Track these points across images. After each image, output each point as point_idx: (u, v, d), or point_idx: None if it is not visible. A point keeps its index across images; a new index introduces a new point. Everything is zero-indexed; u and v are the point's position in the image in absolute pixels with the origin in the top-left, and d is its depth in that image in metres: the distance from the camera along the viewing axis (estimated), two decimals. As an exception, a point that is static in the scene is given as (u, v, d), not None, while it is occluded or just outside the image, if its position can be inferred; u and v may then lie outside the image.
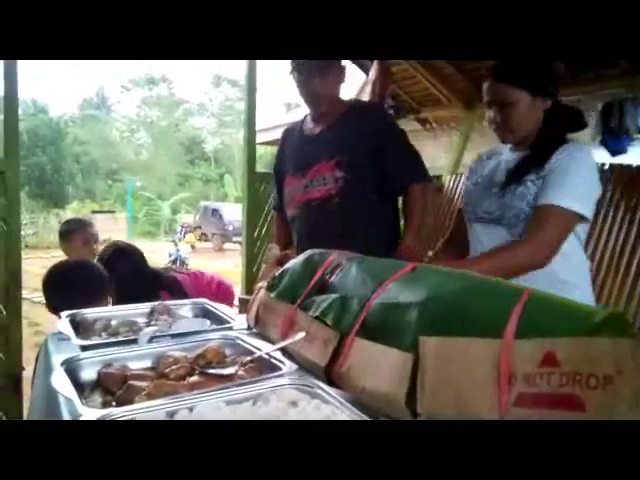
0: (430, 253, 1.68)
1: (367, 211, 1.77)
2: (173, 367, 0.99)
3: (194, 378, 0.96)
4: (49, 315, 2.30)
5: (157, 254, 9.39)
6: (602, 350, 0.64)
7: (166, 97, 34.71)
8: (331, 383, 0.93)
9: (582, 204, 1.28)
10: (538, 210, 1.28)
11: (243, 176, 3.34)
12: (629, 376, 0.61)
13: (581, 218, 1.29)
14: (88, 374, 1.00)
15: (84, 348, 1.09)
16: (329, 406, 0.84)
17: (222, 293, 2.33)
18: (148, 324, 1.31)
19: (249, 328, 1.30)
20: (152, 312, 1.39)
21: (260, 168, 3.33)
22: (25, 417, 1.72)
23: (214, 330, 1.25)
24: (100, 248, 2.38)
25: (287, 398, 0.86)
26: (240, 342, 1.14)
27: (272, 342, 1.13)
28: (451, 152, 4.30)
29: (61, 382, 0.88)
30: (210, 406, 0.82)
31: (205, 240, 16.58)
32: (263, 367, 1.02)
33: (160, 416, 0.79)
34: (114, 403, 0.91)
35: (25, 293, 2.44)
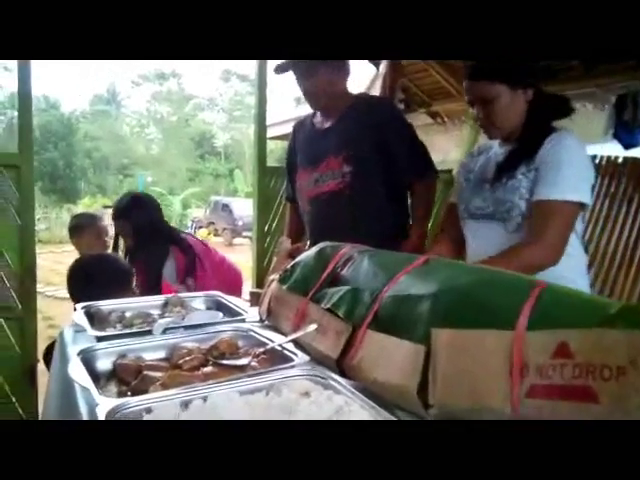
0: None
1: (375, 205, 1.78)
2: (187, 358, 1.00)
3: (207, 369, 0.97)
4: (62, 308, 2.34)
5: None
6: (616, 341, 0.63)
7: (176, 92, 34.82)
8: (343, 375, 0.94)
9: (581, 193, 1.28)
10: (539, 207, 1.27)
11: (254, 171, 3.34)
12: (643, 368, 0.61)
13: (581, 206, 1.29)
14: (103, 364, 1.02)
15: (99, 339, 1.11)
16: (341, 396, 0.85)
17: (232, 276, 2.36)
18: (162, 316, 1.32)
19: (261, 320, 1.31)
20: (166, 304, 1.41)
21: (270, 162, 3.32)
22: (41, 408, 1.74)
23: (227, 322, 1.26)
24: (110, 242, 2.42)
25: (299, 389, 0.87)
26: (252, 334, 1.15)
27: (284, 334, 1.14)
28: (462, 146, 4.27)
29: (78, 372, 0.89)
30: (223, 396, 0.83)
31: (215, 235, 16.64)
32: (275, 358, 1.03)
33: (174, 406, 0.80)
34: (129, 393, 0.92)
35: (39, 287, 2.47)
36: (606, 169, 2.94)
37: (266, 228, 3.29)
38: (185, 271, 2.16)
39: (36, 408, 2.31)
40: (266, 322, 1.29)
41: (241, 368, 0.97)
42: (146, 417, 0.77)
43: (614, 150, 3.15)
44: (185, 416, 0.78)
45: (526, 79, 1.35)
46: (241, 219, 15.74)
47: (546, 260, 1.26)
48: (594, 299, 0.77)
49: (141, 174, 24.39)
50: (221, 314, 1.34)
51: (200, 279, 2.19)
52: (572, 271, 1.32)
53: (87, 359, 0.99)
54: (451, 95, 4.24)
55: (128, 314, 1.31)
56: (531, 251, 1.26)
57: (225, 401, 0.81)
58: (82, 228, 2.37)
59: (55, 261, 10.21)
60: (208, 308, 1.46)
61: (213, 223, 17.20)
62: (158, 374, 0.94)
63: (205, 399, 0.82)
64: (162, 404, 0.80)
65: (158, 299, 1.44)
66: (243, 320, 1.29)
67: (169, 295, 1.48)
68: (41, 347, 2.37)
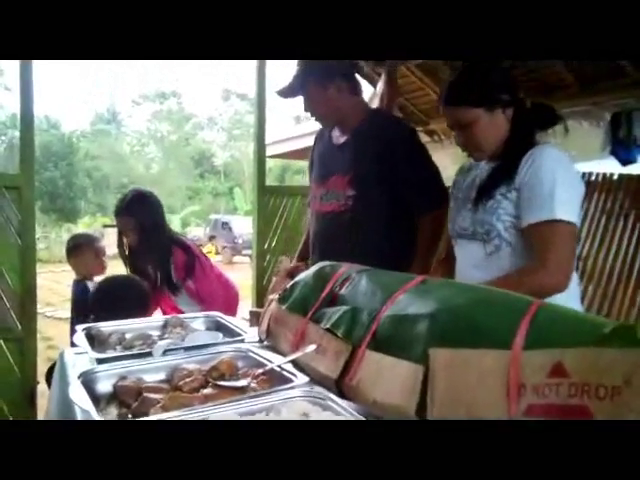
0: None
1: (376, 232, 1.72)
2: (187, 379, 1.00)
3: (207, 390, 0.97)
4: (61, 329, 2.33)
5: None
6: (611, 361, 0.64)
7: (176, 111, 35.11)
8: (342, 395, 0.94)
9: (573, 211, 1.23)
10: (539, 229, 1.21)
11: (253, 189, 3.36)
12: (638, 387, 0.62)
13: (575, 226, 1.24)
14: (104, 387, 1.02)
15: (100, 361, 1.11)
16: (340, 418, 0.85)
17: (228, 294, 2.35)
18: (162, 337, 1.33)
19: (260, 341, 1.32)
20: (165, 325, 1.41)
21: (269, 181, 3.35)
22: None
23: (226, 343, 1.26)
24: (108, 262, 2.43)
25: (299, 410, 0.87)
26: (252, 354, 1.16)
27: (283, 354, 1.14)
28: (459, 162, 4.30)
29: (78, 395, 0.90)
30: (223, 418, 0.83)
31: (215, 253, 16.65)
32: (275, 379, 1.03)
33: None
34: (130, 415, 0.92)
35: (38, 307, 2.46)
36: (602, 186, 2.96)
37: (266, 247, 3.31)
38: (185, 271, 2.15)
39: (35, 430, 2.30)
40: (265, 342, 1.30)
41: (241, 389, 0.98)
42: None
43: (610, 167, 3.18)
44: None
45: (503, 98, 1.32)
46: (241, 237, 15.77)
47: (556, 286, 1.20)
48: (589, 318, 0.77)
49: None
50: (221, 335, 1.35)
51: (200, 282, 2.19)
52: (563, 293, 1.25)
53: (88, 381, 0.99)
54: (448, 113, 4.28)
55: (128, 335, 1.32)
56: (538, 278, 1.20)
57: (225, 423, 0.81)
58: (80, 249, 2.38)
59: (54, 281, 10.19)
60: (207, 329, 1.47)
61: (214, 237, 17.23)
62: (158, 396, 0.94)
63: (205, 421, 0.82)
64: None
65: (158, 320, 1.45)
66: (242, 341, 1.29)
67: (168, 316, 1.48)
68: (40, 368, 2.37)
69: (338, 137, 1.84)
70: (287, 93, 1.78)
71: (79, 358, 1.20)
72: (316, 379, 1.01)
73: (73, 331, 2.23)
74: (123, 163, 30.84)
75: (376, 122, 1.79)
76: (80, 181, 27.61)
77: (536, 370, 0.69)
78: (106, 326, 1.38)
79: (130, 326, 1.40)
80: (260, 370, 1.05)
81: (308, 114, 1.86)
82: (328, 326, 1.03)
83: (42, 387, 2.39)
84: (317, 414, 0.86)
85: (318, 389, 0.96)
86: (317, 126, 1.96)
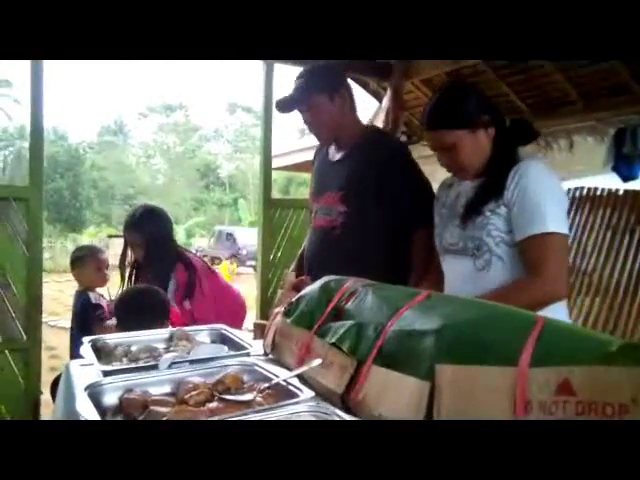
0: None
1: (367, 248, 1.69)
2: (193, 393, 1.00)
3: (213, 404, 0.97)
4: (65, 339, 2.34)
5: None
6: (618, 379, 0.64)
7: (182, 123, 35.42)
8: (348, 410, 0.94)
9: (565, 224, 1.27)
10: (533, 242, 1.24)
11: (259, 201, 3.38)
12: (645, 405, 0.62)
13: (567, 237, 1.28)
14: (110, 399, 1.02)
15: (106, 373, 1.11)
16: (346, 433, 0.85)
17: (234, 306, 2.34)
18: (167, 349, 1.33)
19: (266, 354, 1.32)
20: (171, 338, 1.41)
21: (274, 193, 3.37)
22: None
23: (232, 356, 1.26)
24: (109, 274, 2.43)
25: (304, 425, 0.87)
26: (257, 368, 1.16)
27: (289, 368, 1.14)
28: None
29: (85, 407, 0.90)
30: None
31: (219, 264, 16.67)
32: (280, 394, 1.03)
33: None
34: (135, 428, 0.92)
35: (42, 317, 2.48)
36: (607, 201, 2.97)
37: (271, 259, 3.32)
38: (184, 291, 2.14)
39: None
40: (270, 356, 1.30)
41: (246, 404, 0.97)
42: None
43: (615, 182, 3.19)
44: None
45: (483, 119, 1.34)
46: (245, 248, 15.81)
47: (555, 294, 1.25)
48: (595, 336, 0.78)
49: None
50: (226, 348, 1.35)
51: (198, 303, 2.18)
52: (551, 309, 1.25)
53: (94, 394, 0.99)
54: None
55: (134, 348, 1.32)
56: (537, 288, 1.23)
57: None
58: (83, 260, 2.39)
59: (59, 290, 10.23)
60: (213, 341, 1.47)
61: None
62: (164, 409, 0.94)
63: (211, 435, 0.82)
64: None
65: (163, 333, 1.45)
66: (248, 354, 1.29)
67: (174, 329, 1.49)
68: (43, 378, 2.37)
69: (334, 153, 1.86)
70: (288, 106, 1.77)
71: (85, 370, 1.21)
72: (321, 393, 1.01)
73: (73, 342, 2.24)
74: (129, 174, 31.07)
75: (370, 139, 1.79)
76: (86, 192, 27.82)
77: (543, 387, 0.69)
78: (112, 338, 1.38)
79: (136, 338, 1.41)
80: (266, 384, 1.05)
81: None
82: (333, 341, 1.03)
83: (46, 397, 2.39)
84: (323, 429, 0.86)
85: (323, 404, 0.96)
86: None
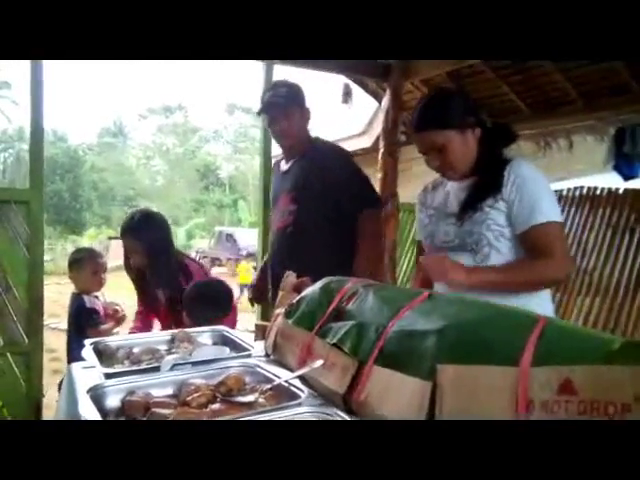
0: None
1: (318, 239, 1.92)
2: (195, 395, 1.01)
3: (215, 406, 0.98)
4: (65, 341, 2.33)
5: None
6: (620, 378, 0.64)
7: (182, 125, 35.41)
8: (349, 411, 0.94)
9: (559, 213, 1.36)
10: (537, 231, 1.31)
11: (259, 202, 3.38)
12: (647, 404, 0.62)
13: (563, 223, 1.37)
14: (112, 401, 1.02)
15: (108, 376, 1.11)
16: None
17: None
18: (169, 351, 1.33)
19: (267, 355, 1.32)
20: (173, 340, 1.42)
21: (273, 195, 3.36)
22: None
23: (233, 358, 1.27)
24: (106, 278, 2.42)
25: (307, 426, 0.87)
26: (259, 369, 1.16)
27: (290, 369, 1.15)
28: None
29: (88, 409, 0.90)
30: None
31: (219, 265, 16.68)
32: (282, 395, 1.03)
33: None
34: (138, 430, 0.92)
35: (43, 320, 2.48)
36: (607, 200, 2.97)
37: (271, 260, 3.31)
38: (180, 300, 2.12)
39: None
40: (272, 357, 1.30)
41: (249, 405, 0.98)
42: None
43: (615, 181, 3.19)
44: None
45: (470, 119, 1.39)
46: (245, 249, 15.80)
47: (561, 273, 1.35)
48: (596, 335, 0.78)
49: (146, 205, 24.60)
50: (227, 349, 1.35)
51: None
52: (538, 296, 1.36)
53: (96, 396, 0.99)
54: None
55: (136, 350, 1.32)
56: (550, 267, 1.31)
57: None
58: (80, 263, 2.37)
59: (59, 292, 10.20)
60: (214, 343, 1.47)
61: (219, 256, 17.23)
62: (166, 411, 0.94)
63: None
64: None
65: (165, 335, 1.45)
66: (249, 355, 1.29)
67: (175, 330, 1.49)
68: (45, 380, 2.37)
69: (284, 165, 2.11)
70: (273, 108, 1.97)
71: (87, 373, 1.21)
72: (323, 394, 1.01)
73: (70, 344, 2.24)
74: (129, 176, 31.08)
75: (315, 147, 2.03)
76: (86, 193, 27.83)
77: (544, 386, 0.69)
78: (113, 340, 1.39)
79: (138, 340, 1.41)
80: (268, 386, 1.05)
81: (272, 132, 2.07)
82: (334, 341, 1.03)
83: (47, 400, 2.39)
84: (325, 430, 0.86)
85: (325, 405, 0.96)
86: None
